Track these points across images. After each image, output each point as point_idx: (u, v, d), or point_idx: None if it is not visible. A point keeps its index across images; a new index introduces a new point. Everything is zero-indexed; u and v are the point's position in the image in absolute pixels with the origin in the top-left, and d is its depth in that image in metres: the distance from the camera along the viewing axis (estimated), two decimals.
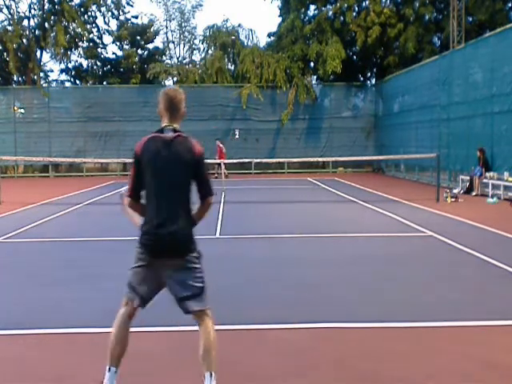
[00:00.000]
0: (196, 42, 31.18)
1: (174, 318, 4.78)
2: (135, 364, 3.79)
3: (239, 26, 29.40)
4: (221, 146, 23.41)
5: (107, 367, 3.23)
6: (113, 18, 30.46)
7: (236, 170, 24.80)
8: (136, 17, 31.36)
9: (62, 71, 31.33)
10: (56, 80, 31.69)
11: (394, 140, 23.55)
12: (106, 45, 30.92)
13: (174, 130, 3.29)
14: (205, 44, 29.88)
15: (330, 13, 27.15)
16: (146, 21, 31.35)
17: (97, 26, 30.13)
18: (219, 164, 19.97)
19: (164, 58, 31.41)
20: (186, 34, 31.50)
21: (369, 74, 30.60)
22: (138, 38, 30.95)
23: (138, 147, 3.25)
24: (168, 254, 3.17)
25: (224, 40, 27.86)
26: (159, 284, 3.28)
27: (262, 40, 33.34)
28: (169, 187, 3.17)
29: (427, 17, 25.63)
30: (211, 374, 3.16)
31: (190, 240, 3.24)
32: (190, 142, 3.26)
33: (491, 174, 14.67)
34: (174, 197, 3.19)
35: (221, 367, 3.63)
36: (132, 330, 3.68)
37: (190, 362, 3.52)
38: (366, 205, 12.94)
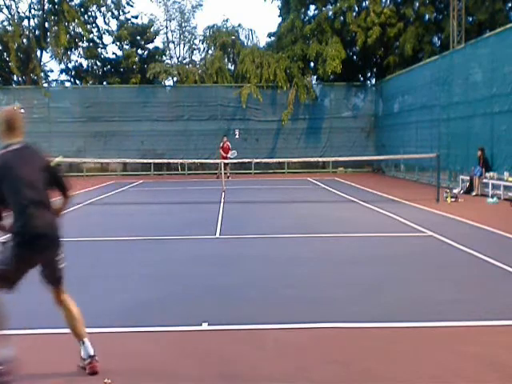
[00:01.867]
0: (196, 41, 31.18)
1: (170, 319, 4.79)
2: (131, 365, 3.79)
3: (239, 26, 29.42)
4: (228, 143, 23.36)
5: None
6: (113, 18, 30.46)
7: (236, 170, 24.80)
8: (136, 17, 31.37)
9: (62, 71, 31.33)
10: (56, 80, 31.69)
11: (394, 140, 23.56)
12: (106, 45, 30.93)
13: (18, 143, 3.66)
14: (205, 44, 29.89)
15: (330, 13, 27.15)
16: (146, 21, 31.35)
17: (97, 26, 30.13)
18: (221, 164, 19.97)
19: (164, 57, 31.39)
20: (186, 34, 31.48)
21: (369, 74, 30.60)
22: (138, 38, 30.93)
23: None
24: (44, 246, 3.66)
25: (224, 40, 27.86)
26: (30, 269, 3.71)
27: (262, 40, 33.36)
28: (31, 188, 3.56)
29: (427, 17, 25.61)
30: (84, 342, 3.68)
31: (59, 233, 3.81)
32: (35, 148, 3.74)
33: (491, 173, 14.67)
34: (38, 195, 3.59)
35: (220, 367, 3.64)
36: (126, 330, 3.70)
37: (186, 362, 3.53)
38: (366, 205, 12.94)
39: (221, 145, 23.31)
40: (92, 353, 3.64)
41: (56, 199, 3.75)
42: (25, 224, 3.51)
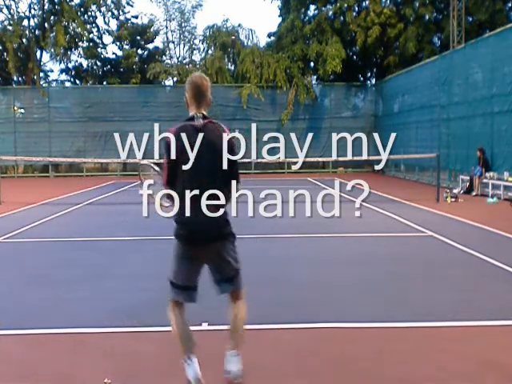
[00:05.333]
0: (196, 42, 31.17)
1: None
2: (131, 365, 3.79)
3: (239, 26, 29.41)
4: None
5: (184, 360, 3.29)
6: (113, 17, 30.45)
7: None
8: (136, 17, 31.36)
9: (61, 71, 31.32)
10: (56, 80, 31.67)
11: (394, 140, 23.49)
12: (106, 45, 30.92)
13: (204, 117, 3.28)
14: (205, 44, 29.89)
15: (330, 13, 27.16)
16: (146, 21, 31.34)
17: (97, 26, 30.12)
18: None
19: (164, 57, 31.38)
20: (186, 34, 31.47)
21: (369, 74, 30.61)
22: (138, 38, 30.92)
23: (170, 136, 3.23)
24: (205, 238, 3.25)
25: (224, 40, 27.86)
26: (201, 267, 3.38)
27: (262, 40, 33.32)
28: (203, 174, 3.19)
29: (427, 17, 25.62)
30: (235, 354, 3.31)
31: (226, 225, 3.37)
32: (221, 128, 3.29)
33: (491, 173, 14.66)
34: (209, 184, 3.20)
35: (220, 367, 3.63)
36: (126, 330, 3.70)
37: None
38: (366, 205, 12.92)
39: None
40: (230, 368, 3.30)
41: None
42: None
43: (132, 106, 26.32)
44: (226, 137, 3.23)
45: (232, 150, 3.27)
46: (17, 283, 6.13)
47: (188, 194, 3.18)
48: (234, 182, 3.34)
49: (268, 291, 5.63)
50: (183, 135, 3.19)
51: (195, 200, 3.17)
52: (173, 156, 3.19)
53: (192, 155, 3.16)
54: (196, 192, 3.17)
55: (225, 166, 3.25)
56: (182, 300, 3.35)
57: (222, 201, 3.27)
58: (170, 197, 3.24)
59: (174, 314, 3.34)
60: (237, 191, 3.36)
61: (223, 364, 3.71)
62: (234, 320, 3.38)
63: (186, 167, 3.16)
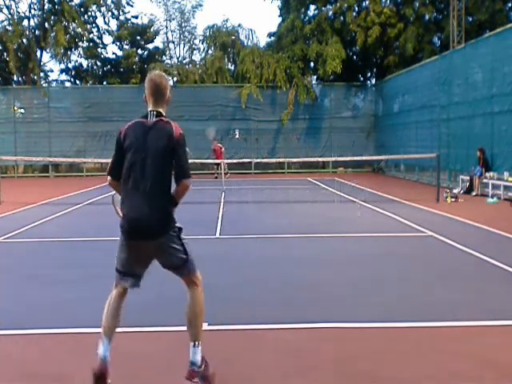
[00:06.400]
0: (196, 41, 31.24)
1: (170, 319, 4.78)
2: (131, 365, 3.79)
3: (239, 26, 29.46)
4: (219, 145, 23.32)
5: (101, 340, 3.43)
6: (113, 18, 30.48)
7: (236, 170, 24.81)
8: (136, 17, 31.39)
9: (62, 71, 31.35)
10: (56, 80, 31.70)
11: (394, 140, 23.55)
12: (106, 45, 30.95)
13: (157, 115, 3.39)
14: (205, 44, 29.93)
15: (330, 13, 27.16)
16: (146, 21, 31.40)
17: (97, 26, 30.14)
18: (218, 164, 19.97)
19: (164, 57, 31.43)
20: (186, 34, 31.54)
21: (369, 74, 30.61)
22: (138, 38, 30.94)
23: (122, 130, 3.42)
24: (145, 234, 3.32)
25: (224, 40, 27.87)
26: (146, 260, 3.46)
27: (262, 40, 33.36)
28: (148, 171, 3.29)
29: (427, 17, 25.64)
30: (195, 345, 3.40)
31: (168, 221, 3.39)
32: (170, 126, 3.37)
33: (491, 173, 14.67)
34: (152, 180, 3.30)
35: (220, 367, 3.63)
36: (128, 330, 3.70)
37: (186, 362, 3.52)
38: (366, 205, 12.94)
39: (213, 148, 23.32)
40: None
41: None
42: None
43: (132, 106, 26.23)
44: (174, 135, 3.33)
45: (179, 147, 3.34)
46: (17, 283, 6.13)
47: (130, 190, 3.32)
48: (184, 180, 3.38)
49: (268, 291, 5.63)
50: (132, 132, 3.36)
51: (137, 196, 3.29)
52: (119, 151, 3.37)
53: (137, 151, 3.30)
54: (138, 188, 3.29)
55: (170, 163, 3.35)
56: (123, 285, 3.48)
57: (166, 197, 3.37)
58: (113, 185, 3.47)
59: (111, 295, 3.52)
60: (186, 187, 3.40)
61: (223, 364, 3.71)
62: (187, 312, 3.47)
63: (130, 163, 3.31)
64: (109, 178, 3.46)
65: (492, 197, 13.91)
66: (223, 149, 23.29)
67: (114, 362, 3.81)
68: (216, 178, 21.86)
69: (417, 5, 25.70)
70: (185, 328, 4.08)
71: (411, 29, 24.93)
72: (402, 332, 4.40)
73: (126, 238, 3.36)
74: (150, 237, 3.33)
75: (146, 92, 3.47)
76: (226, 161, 19.39)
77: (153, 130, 3.33)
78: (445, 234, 8.68)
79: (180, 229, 3.47)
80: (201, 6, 31.94)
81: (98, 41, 30.41)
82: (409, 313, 4.89)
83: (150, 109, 3.42)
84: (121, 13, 30.57)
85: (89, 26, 29.42)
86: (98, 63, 31.00)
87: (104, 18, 30.08)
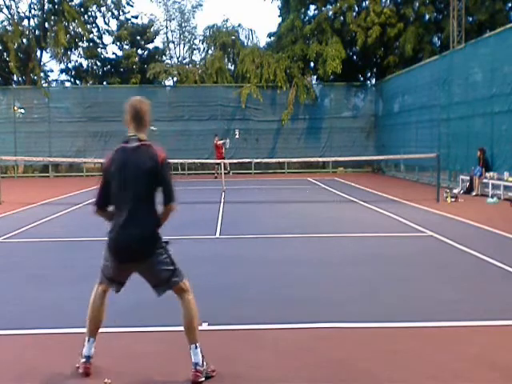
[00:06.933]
0: (196, 42, 31.20)
1: (170, 319, 4.79)
2: (131, 365, 3.79)
3: (239, 26, 29.43)
4: (219, 142, 23.26)
5: (86, 338, 3.63)
6: (113, 18, 30.47)
7: (236, 170, 24.81)
8: (136, 17, 31.39)
9: (62, 71, 31.35)
10: (56, 80, 31.70)
11: (394, 140, 23.55)
12: (106, 45, 30.95)
13: (139, 140, 3.48)
14: (205, 44, 29.90)
15: (330, 13, 27.15)
16: (146, 21, 31.38)
17: (97, 26, 30.14)
18: (219, 164, 19.96)
19: (164, 57, 31.40)
20: (186, 34, 31.51)
21: (369, 74, 30.59)
22: (138, 38, 30.94)
23: (107, 159, 3.52)
24: (133, 258, 3.47)
25: (224, 40, 27.86)
26: (130, 273, 3.61)
27: (262, 40, 33.37)
28: (133, 195, 3.41)
29: (427, 17, 25.62)
30: (196, 347, 3.51)
31: (154, 242, 3.48)
32: (153, 150, 3.47)
33: (491, 174, 14.67)
34: (139, 204, 3.43)
35: (220, 367, 3.63)
36: (126, 330, 3.70)
37: (186, 362, 3.53)
38: (366, 205, 12.94)
39: (215, 143, 23.26)
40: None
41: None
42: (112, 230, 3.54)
43: None
44: (158, 158, 3.44)
45: (164, 171, 3.47)
46: (17, 283, 6.13)
47: (119, 214, 3.46)
48: (171, 204, 3.49)
49: (268, 291, 5.63)
50: (117, 157, 3.46)
51: (125, 220, 3.42)
52: (106, 179, 3.49)
53: (122, 176, 3.41)
54: (126, 212, 3.42)
55: (155, 185, 3.47)
56: (107, 285, 3.63)
57: (152, 219, 3.48)
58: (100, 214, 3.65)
59: (94, 294, 3.64)
60: (173, 210, 3.51)
61: (223, 364, 3.72)
62: (184, 320, 3.55)
63: (117, 188, 3.44)
64: (95, 208, 3.60)
65: (492, 197, 13.91)
66: (222, 144, 23.23)
67: (115, 361, 3.82)
68: (216, 177, 21.86)
69: (417, 5, 25.69)
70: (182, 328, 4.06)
71: (411, 29, 24.92)
72: (402, 332, 4.40)
73: (115, 260, 3.52)
74: (139, 259, 3.47)
75: (126, 116, 3.56)
76: (226, 161, 19.37)
77: (136, 153, 3.44)
78: (445, 234, 8.68)
79: (166, 242, 3.57)
80: (201, 6, 31.93)
81: (98, 41, 30.41)
82: (409, 313, 4.89)
83: (131, 134, 3.52)
84: (121, 13, 30.59)
85: (89, 26, 29.42)
86: (98, 63, 31.00)
87: (104, 18, 30.11)
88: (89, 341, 3.61)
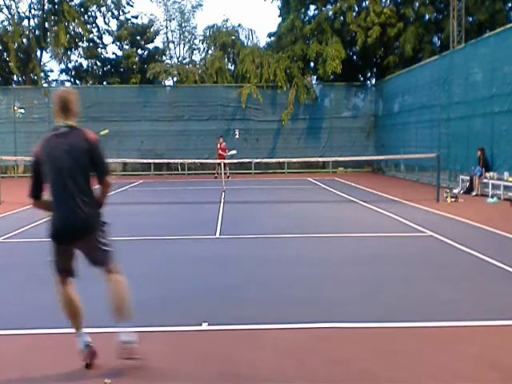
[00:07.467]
0: (196, 42, 31.16)
1: (171, 319, 4.79)
2: (131, 364, 3.79)
3: (239, 25, 29.41)
4: (229, 153, 23.16)
5: (76, 334, 3.74)
6: (113, 18, 30.44)
7: (236, 170, 24.81)
8: (136, 17, 31.36)
9: (62, 71, 31.31)
10: (56, 80, 31.65)
11: (394, 140, 23.55)
12: (106, 45, 30.92)
13: (68, 126, 3.60)
14: (205, 44, 29.88)
15: (330, 13, 27.13)
16: (146, 21, 31.34)
17: (97, 26, 30.11)
18: (219, 164, 19.96)
19: (164, 57, 31.37)
20: (186, 34, 31.46)
21: (369, 74, 30.58)
22: (138, 38, 30.92)
23: (37, 149, 3.61)
24: (78, 237, 3.60)
25: (224, 40, 27.85)
26: (73, 254, 3.74)
27: (262, 40, 33.35)
28: (68, 177, 3.51)
29: (427, 17, 25.61)
30: (126, 326, 3.63)
31: (94, 222, 3.62)
32: (84, 133, 3.61)
33: (491, 173, 14.67)
34: (75, 185, 3.52)
35: (220, 367, 3.63)
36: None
37: (186, 362, 3.53)
38: (366, 205, 12.94)
39: (218, 146, 23.22)
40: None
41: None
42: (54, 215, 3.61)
43: (132, 106, 26.32)
44: (89, 138, 3.57)
45: (96, 148, 3.59)
46: (17, 283, 6.14)
47: (58, 198, 3.55)
48: (106, 178, 3.64)
49: (268, 291, 5.63)
50: (47, 145, 3.57)
51: (65, 202, 3.52)
52: (37, 169, 3.58)
53: (56, 161, 3.51)
54: (65, 194, 3.51)
55: (89, 165, 3.57)
56: (63, 276, 3.75)
57: (91, 198, 3.60)
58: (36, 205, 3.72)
59: (58, 288, 3.74)
60: (109, 184, 3.66)
61: (223, 364, 3.72)
62: (111, 298, 3.68)
63: (52, 174, 3.52)
64: (31, 200, 3.67)
65: (492, 197, 13.91)
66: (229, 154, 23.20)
67: (115, 361, 3.82)
68: (216, 177, 21.86)
69: (417, 5, 25.68)
70: (186, 328, 4.07)
71: (411, 29, 24.92)
72: (402, 332, 4.40)
73: (59, 244, 3.63)
74: (81, 237, 3.61)
75: (55, 107, 3.67)
76: (226, 161, 19.37)
77: (69, 137, 3.55)
78: (445, 234, 8.68)
79: (105, 223, 3.70)
80: (201, 6, 31.81)
81: (98, 41, 30.38)
82: (409, 313, 4.89)
83: (60, 123, 3.62)
84: (121, 13, 30.55)
85: (89, 26, 29.40)
86: (98, 63, 30.98)
87: (104, 18, 30.07)
88: (79, 335, 3.72)
